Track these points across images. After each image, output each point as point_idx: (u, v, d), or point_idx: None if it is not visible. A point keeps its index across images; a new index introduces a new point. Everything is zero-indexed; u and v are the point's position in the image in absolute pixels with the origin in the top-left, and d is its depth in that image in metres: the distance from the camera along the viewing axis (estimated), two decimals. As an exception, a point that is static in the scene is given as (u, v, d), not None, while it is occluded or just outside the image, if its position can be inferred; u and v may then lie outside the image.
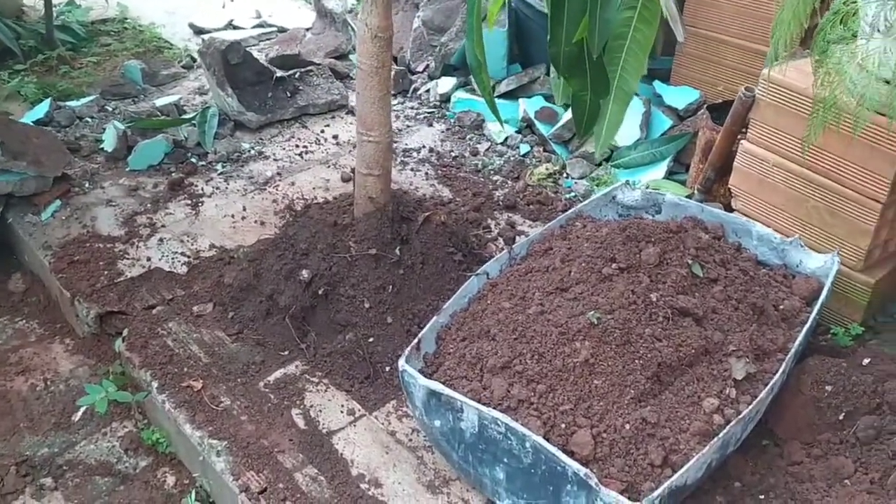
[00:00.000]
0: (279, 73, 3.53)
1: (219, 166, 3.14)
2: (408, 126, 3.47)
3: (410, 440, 2.04)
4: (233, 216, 2.87)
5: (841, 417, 1.87)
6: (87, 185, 3.00)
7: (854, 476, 1.78)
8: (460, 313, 2.07)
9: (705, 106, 2.85)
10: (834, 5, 1.73)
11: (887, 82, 1.84)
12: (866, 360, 1.99)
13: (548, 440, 1.66)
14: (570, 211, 2.38)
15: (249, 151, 3.25)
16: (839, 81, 1.61)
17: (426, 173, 3.13)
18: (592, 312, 1.79)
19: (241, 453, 1.99)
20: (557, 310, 1.84)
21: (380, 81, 2.18)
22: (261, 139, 3.34)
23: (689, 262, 1.90)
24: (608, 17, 1.46)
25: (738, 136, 2.48)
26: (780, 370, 1.78)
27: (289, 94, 3.50)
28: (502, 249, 2.62)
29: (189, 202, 2.94)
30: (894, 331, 2.28)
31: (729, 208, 2.52)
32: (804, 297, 2.07)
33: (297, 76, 3.58)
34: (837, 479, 1.78)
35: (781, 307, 1.96)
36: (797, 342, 1.85)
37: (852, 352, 2.12)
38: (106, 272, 2.59)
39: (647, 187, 2.46)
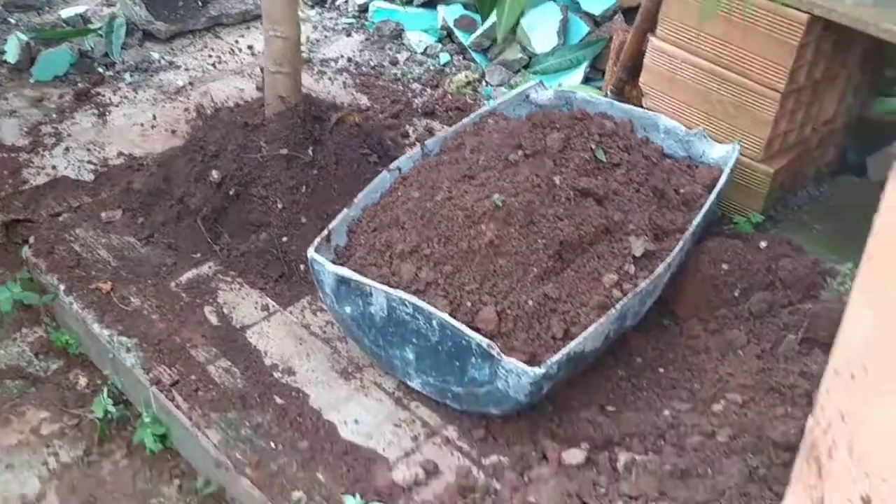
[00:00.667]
0: (190, -18, 3.40)
1: (127, 76, 3.03)
2: (326, 37, 3.40)
3: (324, 332, 2.06)
4: (142, 125, 2.79)
5: (736, 294, 1.96)
6: (-13, 96, 2.87)
7: (747, 347, 1.87)
8: (371, 207, 2.07)
9: (620, 9, 2.87)
10: None
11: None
12: (763, 244, 2.08)
13: (454, 318, 1.69)
14: (483, 109, 2.39)
15: (159, 62, 3.15)
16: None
17: (344, 82, 3.09)
18: (497, 196, 1.81)
19: (152, 349, 1.98)
20: (464, 195, 1.86)
21: (285, -28, 2.12)
22: (171, 49, 3.24)
23: (593, 147, 1.94)
24: None
25: (648, 36, 2.50)
26: (678, 248, 1.84)
27: (201, 4, 3.39)
28: (421, 139, 2.63)
29: (96, 112, 2.84)
30: (793, 220, 2.38)
31: (641, 107, 2.56)
32: (706, 184, 2.13)
33: (209, -15, 3.45)
34: (731, 349, 1.87)
35: (682, 191, 2.02)
36: (695, 223, 1.91)
37: (753, 238, 2.21)
38: (10, 181, 2.50)
39: (559, 86, 2.48)
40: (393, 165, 2.15)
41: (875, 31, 1.92)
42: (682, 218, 1.95)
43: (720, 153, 2.21)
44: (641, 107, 2.55)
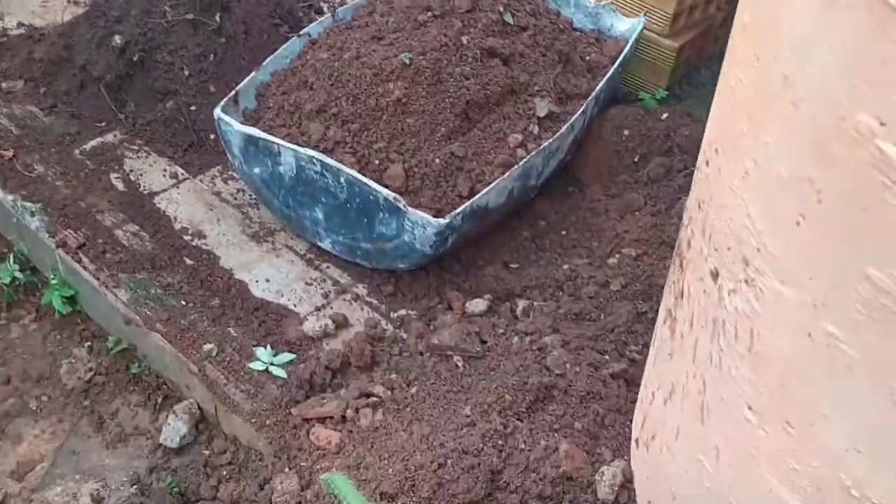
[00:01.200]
0: None
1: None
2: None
3: (236, 199, 2.06)
4: (42, -7, 2.66)
5: (636, 160, 2.04)
6: None
7: (644, 208, 1.96)
8: (281, 71, 2.05)
9: None
10: None
11: None
12: (665, 115, 2.16)
13: (362, 175, 1.72)
14: (396, -21, 2.35)
15: (58, -70, 2.97)
16: None
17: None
18: (405, 54, 1.82)
19: (57, 214, 1.95)
20: (372, 54, 1.86)
21: None
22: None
23: (501, 9, 1.95)
24: None
25: None
26: (581, 110, 1.89)
27: None
28: (332, 6, 2.59)
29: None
30: (696, 97, 2.46)
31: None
32: (612, 56, 2.18)
33: None
34: (629, 210, 1.96)
35: (588, 59, 2.06)
36: (599, 87, 1.97)
37: (656, 111, 2.28)
38: None
39: (474, -41, 2.46)
40: (303, 31, 2.12)
41: None
42: (586, 84, 2.00)
43: (627, 26, 2.25)
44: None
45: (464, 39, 1.85)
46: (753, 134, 0.74)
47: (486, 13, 1.92)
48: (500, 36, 1.91)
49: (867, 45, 0.57)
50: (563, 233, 1.99)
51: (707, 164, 0.88)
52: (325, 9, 2.74)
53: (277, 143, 1.77)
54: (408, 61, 1.81)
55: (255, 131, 1.79)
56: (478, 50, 1.85)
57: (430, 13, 1.92)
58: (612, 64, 2.14)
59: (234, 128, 1.81)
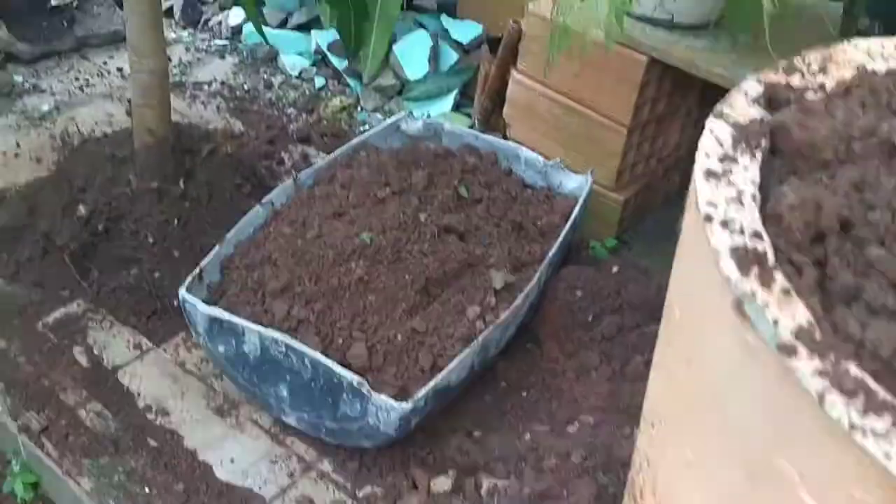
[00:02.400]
0: (54, 2, 3.30)
1: (-14, 101, 2.92)
2: (198, 59, 3.38)
3: (199, 369, 2.08)
4: (4, 153, 2.70)
5: (590, 318, 2.12)
6: None
7: (599, 367, 2.03)
8: (245, 242, 2.10)
9: (486, 39, 3.00)
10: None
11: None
12: (615, 269, 2.26)
13: (326, 355, 1.76)
14: (355, 140, 2.46)
15: (23, 85, 3.05)
16: (568, 8, 1.78)
17: (218, 106, 3.09)
18: (366, 234, 1.90)
19: (20, 394, 1.95)
20: (334, 233, 1.93)
21: (149, 7, 2.12)
22: (36, 72, 3.13)
23: (456, 184, 2.05)
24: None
25: (510, 67, 2.65)
26: (535, 279, 1.98)
27: (66, 24, 3.29)
28: (294, 172, 2.67)
29: (-47, 140, 2.73)
30: (643, 243, 2.58)
31: (505, 137, 2.71)
32: (563, 214, 2.28)
33: (74, 5, 3.36)
34: (584, 371, 2.02)
35: (540, 223, 2.16)
36: (551, 252, 2.06)
37: (606, 263, 2.39)
38: None
39: (428, 117, 2.59)
40: (265, 199, 2.19)
41: (706, 74, 2.13)
42: (539, 249, 2.10)
43: (576, 183, 2.37)
44: (506, 136, 2.70)
45: (422, 217, 1.94)
46: (692, 429, 0.81)
47: (442, 189, 2.02)
48: (457, 211, 2.01)
49: (781, 396, 0.64)
50: (524, 394, 2.05)
51: (652, 426, 0.94)
52: (286, 159, 2.84)
53: (242, 325, 1.81)
54: (368, 241, 1.88)
55: (220, 312, 1.83)
56: (435, 227, 1.93)
57: (388, 189, 2.02)
58: (563, 223, 2.24)
59: (199, 309, 1.85)
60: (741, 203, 0.74)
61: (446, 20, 3.29)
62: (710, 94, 2.51)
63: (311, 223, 2.00)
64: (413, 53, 3.16)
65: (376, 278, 1.86)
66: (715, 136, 0.82)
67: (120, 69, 3.23)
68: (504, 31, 3.04)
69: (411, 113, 2.61)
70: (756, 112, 0.87)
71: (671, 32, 2.21)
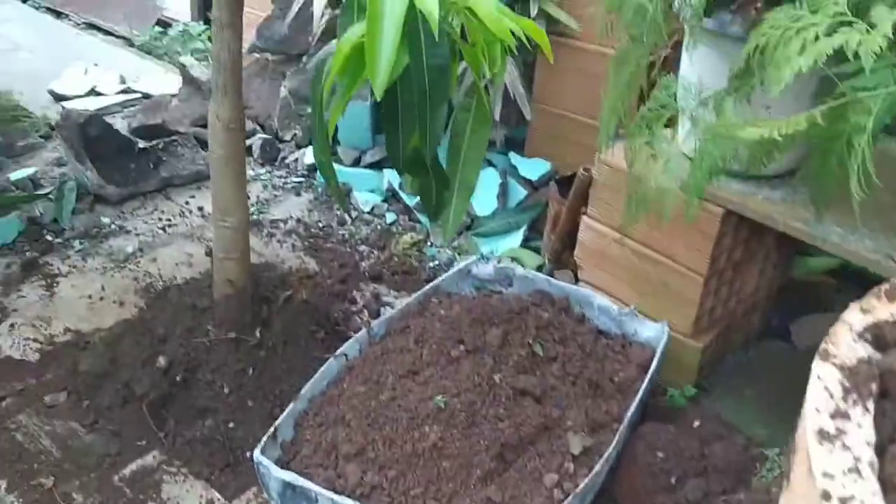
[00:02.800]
0: (142, 144, 3.50)
1: (76, 243, 3.07)
2: (275, 196, 3.50)
3: (271, 527, 2.05)
4: (90, 296, 2.81)
5: (673, 481, 2.02)
6: (-69, 268, 2.87)
7: (685, 536, 1.93)
8: (318, 397, 2.11)
9: (554, 178, 3.04)
10: (641, 111, 1.92)
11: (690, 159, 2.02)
12: (696, 423, 2.17)
13: (399, 525, 1.72)
14: (427, 287, 2.48)
15: (110, 226, 3.19)
16: (645, 178, 1.78)
17: (293, 245, 3.17)
18: (440, 397, 1.88)
19: (94, 554, 1.95)
20: (408, 395, 1.91)
21: (234, 170, 2.22)
22: (122, 213, 3.29)
23: (531, 342, 2.03)
24: (436, 127, 1.57)
25: (581, 211, 2.66)
26: (614, 442, 1.91)
27: (152, 166, 3.47)
28: (367, 321, 2.70)
29: (43, 283, 2.86)
30: (723, 387, 2.49)
31: (577, 276, 2.69)
32: (640, 364, 2.23)
33: (160, 146, 3.56)
34: (670, 539, 1.92)
35: (617, 379, 2.11)
36: (630, 412, 2.00)
37: (686, 413, 2.30)
38: (-49, 363, 2.48)
39: (499, 262, 2.60)
40: (339, 352, 2.21)
41: (784, 228, 2.08)
42: (617, 407, 2.04)
43: (652, 332, 2.32)
44: (577, 276, 2.68)
45: (496, 378, 1.91)
46: None
47: (517, 348, 2.00)
48: (532, 370, 1.98)
49: None
50: (604, 562, 1.95)
51: None
52: (359, 298, 2.87)
53: (315, 491, 1.79)
54: (443, 405, 1.86)
55: (293, 477, 1.82)
56: (510, 389, 1.90)
57: (462, 347, 2.00)
58: (640, 375, 2.18)
59: (273, 473, 1.84)
60: (859, 474, 0.70)
61: (515, 157, 3.35)
62: (789, 238, 2.47)
63: (384, 382, 1.99)
64: (482, 190, 3.22)
65: (451, 444, 1.83)
66: (824, 386, 0.79)
67: (201, 208, 3.37)
68: (572, 169, 3.08)
69: (482, 256, 2.63)
70: (863, 350, 0.83)
71: (747, 183, 2.19)
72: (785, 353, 2.63)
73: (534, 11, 2.86)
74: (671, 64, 2.27)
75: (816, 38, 1.42)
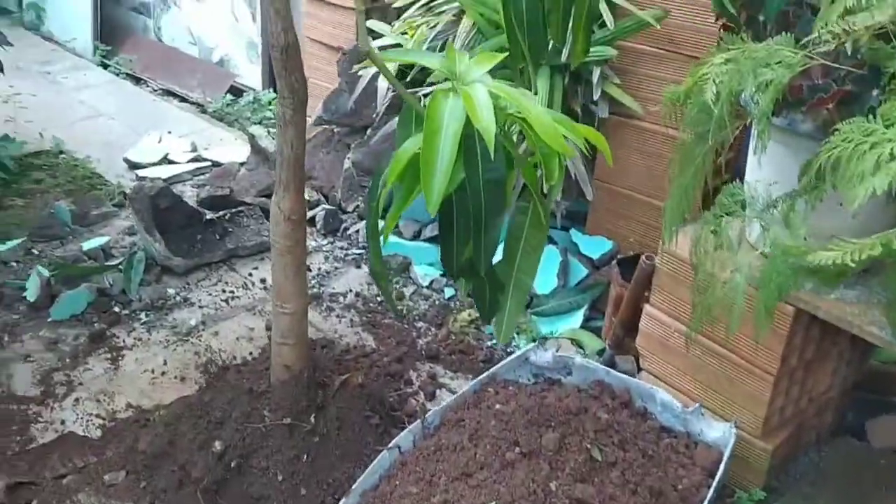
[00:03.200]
0: (209, 216, 3.59)
1: (142, 315, 3.14)
2: (336, 268, 3.53)
3: None
4: (153, 371, 2.86)
5: None
6: (6, 338, 2.97)
7: None
8: (370, 492, 2.08)
9: (616, 259, 2.98)
10: (705, 216, 1.87)
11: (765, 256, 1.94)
12: (766, 533, 2.05)
13: None
14: (484, 375, 2.44)
15: (175, 298, 3.26)
16: (713, 284, 1.72)
17: (351, 320, 3.18)
18: (494, 503, 1.82)
19: None
20: (460, 500, 1.86)
21: (294, 258, 2.24)
22: (187, 284, 3.36)
23: (588, 446, 1.96)
24: (491, 239, 1.55)
25: (644, 298, 2.59)
26: (677, 558, 1.82)
27: (218, 237, 3.55)
28: (422, 405, 2.67)
29: (109, 356, 2.92)
30: (795, 491, 2.36)
31: (639, 363, 2.62)
32: (705, 467, 2.13)
33: (227, 217, 3.64)
34: None
35: (681, 486, 2.02)
36: (694, 525, 1.90)
37: (754, 519, 2.19)
38: (18, 438, 2.54)
39: (557, 349, 2.54)
40: (392, 444, 2.18)
41: (859, 331, 1.98)
42: (681, 517, 1.94)
43: (718, 432, 2.22)
44: (639, 364, 2.61)
45: (552, 486, 1.85)
46: None
47: (574, 454, 1.93)
48: (589, 479, 1.91)
49: None
50: None
51: None
52: (414, 378, 2.84)
53: None
54: (496, 513, 1.80)
55: (342, 583, 1.78)
56: (567, 499, 1.84)
57: (517, 449, 1.95)
58: (706, 479, 2.09)
59: (322, 576, 1.80)
60: None
61: (576, 234, 3.31)
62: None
63: (437, 482, 1.95)
64: (542, 268, 3.18)
65: (504, 554, 1.77)
66: None
67: (263, 280, 3.42)
68: (634, 249, 3.02)
69: (542, 338, 2.58)
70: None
71: (818, 281, 2.10)
72: (860, 453, 2.48)
73: (597, 94, 2.83)
74: (737, 159, 2.22)
75: (892, 155, 1.36)
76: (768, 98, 1.62)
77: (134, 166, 4.30)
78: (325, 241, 3.72)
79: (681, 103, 1.98)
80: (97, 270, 3.28)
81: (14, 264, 3.41)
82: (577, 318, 3.05)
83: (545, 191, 1.67)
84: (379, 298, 3.32)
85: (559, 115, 1.57)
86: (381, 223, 1.70)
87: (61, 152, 4.38)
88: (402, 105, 1.75)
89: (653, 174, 3.02)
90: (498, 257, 1.76)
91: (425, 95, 2.37)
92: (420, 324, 3.17)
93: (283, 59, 1.84)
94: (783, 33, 1.68)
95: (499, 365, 2.50)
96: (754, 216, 1.78)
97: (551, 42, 1.85)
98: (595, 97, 2.85)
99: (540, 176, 1.66)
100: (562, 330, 3.01)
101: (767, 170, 1.89)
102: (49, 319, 3.08)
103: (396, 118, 3.36)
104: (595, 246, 3.21)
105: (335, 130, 4.01)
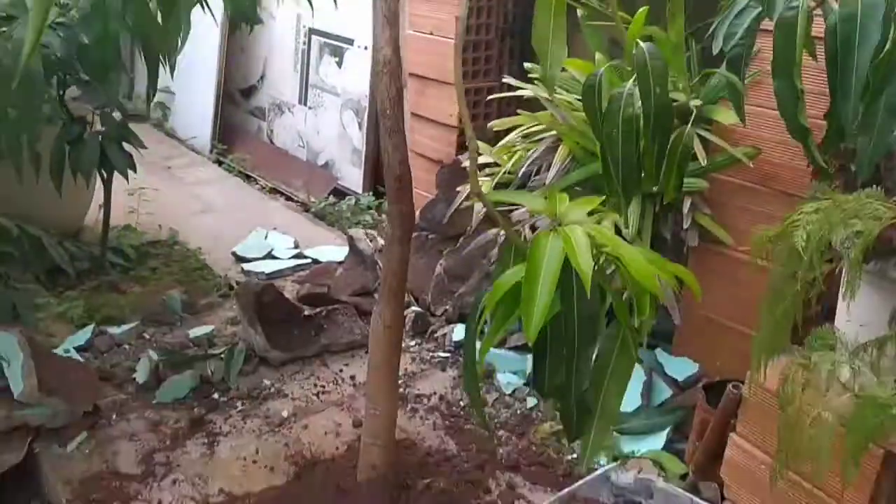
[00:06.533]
0: (307, 312, 3.79)
1: (239, 404, 3.31)
2: (422, 370, 3.65)
3: None
4: (245, 459, 2.99)
5: None
6: (114, 416, 3.18)
7: None
8: None
9: (701, 384, 2.99)
10: (791, 367, 1.91)
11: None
12: None
13: None
14: (563, 492, 2.47)
15: (269, 389, 3.43)
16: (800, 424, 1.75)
17: (434, 423, 3.26)
18: None
19: None
20: None
21: (389, 365, 2.38)
22: (282, 376, 3.53)
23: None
24: (583, 368, 1.64)
25: (730, 425, 2.59)
26: None
27: (314, 333, 3.73)
28: (501, 517, 2.70)
29: (206, 441, 3.08)
30: None
31: (722, 492, 2.59)
32: None
33: (323, 314, 3.83)
34: None
35: None
36: None
37: None
38: (121, 514, 2.71)
39: (639, 471, 2.56)
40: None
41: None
42: None
43: (803, 574, 2.17)
44: (722, 494, 2.58)
45: None
46: None
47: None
48: None
49: None
50: None
51: None
52: (493, 487, 2.88)
53: None
54: None
55: None
56: None
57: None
58: None
59: None
60: None
61: (661, 355, 3.34)
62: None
63: None
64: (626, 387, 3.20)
65: None
66: None
67: (353, 377, 3.56)
68: (720, 374, 3.03)
69: (623, 460, 2.60)
70: None
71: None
72: None
73: (687, 223, 2.92)
74: (828, 294, 2.25)
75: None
76: (858, 249, 1.69)
77: (240, 259, 4.60)
78: (412, 343, 3.86)
79: (770, 245, 2.05)
80: (202, 358, 3.49)
81: (126, 347, 3.67)
82: (660, 439, 3.04)
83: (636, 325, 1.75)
84: (462, 402, 3.40)
85: (652, 254, 1.67)
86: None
87: (176, 243, 4.73)
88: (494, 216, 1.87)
89: (741, 302, 3.04)
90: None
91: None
92: (501, 432, 3.23)
93: (396, 187, 2.03)
94: (874, 186, 1.75)
95: (580, 482, 2.53)
96: (843, 360, 1.81)
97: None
98: (685, 226, 2.93)
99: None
100: (644, 450, 3.01)
101: (857, 312, 1.93)
102: (154, 402, 3.29)
103: (489, 231, 3.55)
104: (680, 367, 3.23)
105: (429, 237, 4.21)
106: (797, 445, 1.78)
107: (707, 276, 3.11)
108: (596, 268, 1.61)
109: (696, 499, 2.41)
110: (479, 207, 3.61)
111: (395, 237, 2.15)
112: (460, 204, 3.73)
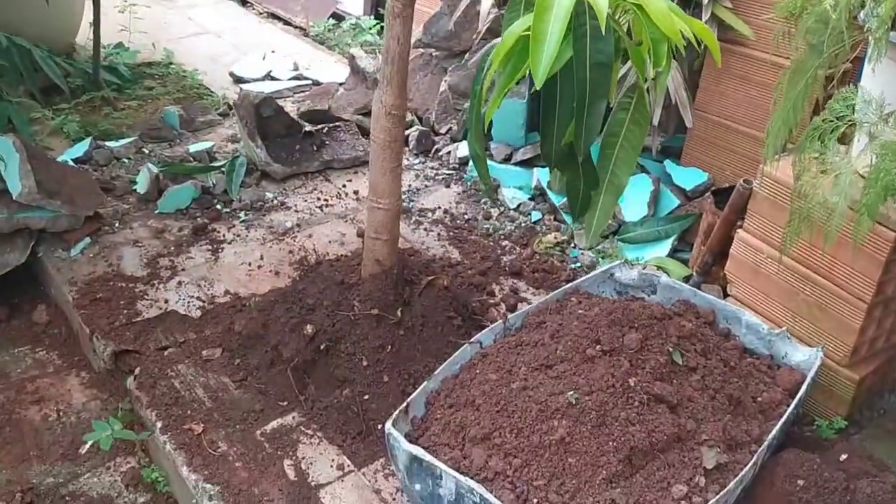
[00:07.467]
0: (308, 128, 3.70)
1: (242, 214, 3.28)
2: (426, 186, 3.60)
3: (394, 499, 2.12)
4: (249, 264, 3.00)
5: (811, 513, 1.91)
6: (116, 224, 3.17)
7: (819, 573, 1.82)
8: (451, 379, 2.15)
9: (711, 189, 2.94)
10: (814, 121, 1.83)
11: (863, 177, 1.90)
12: (843, 456, 2.04)
13: (519, 514, 1.73)
14: (568, 285, 2.47)
15: (272, 201, 3.40)
16: (813, 193, 1.70)
17: (438, 234, 3.25)
18: (572, 392, 1.87)
19: (232, 500, 2.08)
20: (539, 387, 1.92)
21: (392, 154, 2.31)
22: (284, 190, 3.49)
23: (670, 349, 1.98)
24: (593, 123, 1.57)
25: (736, 225, 2.56)
26: (752, 462, 1.83)
27: (315, 148, 3.66)
28: (504, 315, 2.72)
29: (210, 248, 3.08)
30: (878, 426, 2.32)
31: (725, 292, 2.60)
32: (786, 388, 2.12)
33: (325, 131, 3.74)
34: (802, 574, 1.82)
35: (760, 399, 2.02)
36: (771, 435, 1.90)
37: (833, 445, 2.17)
38: (125, 311, 2.73)
39: (644, 267, 2.55)
40: (474, 339, 2.25)
41: (966, 259, 1.92)
42: (757, 428, 1.95)
43: (803, 357, 2.20)
44: (726, 293, 2.59)
45: (631, 382, 1.88)
46: None
47: (655, 354, 1.95)
48: (668, 379, 1.93)
49: None
50: (727, 586, 1.87)
51: None
52: (497, 291, 2.90)
53: (441, 468, 1.83)
54: (574, 401, 1.85)
55: (421, 453, 1.87)
56: (645, 395, 1.87)
57: (598, 347, 1.99)
58: (786, 399, 2.08)
59: (402, 446, 1.90)
60: None
61: (670, 165, 3.27)
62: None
63: (516, 372, 2.01)
64: (633, 195, 3.17)
65: (578, 440, 1.82)
66: None
67: (356, 192, 3.52)
68: (729, 181, 2.97)
69: (627, 260, 2.59)
70: None
71: (925, 207, 2.03)
72: (953, 397, 2.42)
73: (705, 16, 2.77)
74: (850, 78, 2.14)
75: None
76: (889, 6, 1.57)
77: (238, 80, 4.45)
78: (416, 161, 3.79)
79: (797, 14, 1.93)
80: (202, 170, 3.44)
81: (126, 160, 3.61)
82: (665, 246, 3.03)
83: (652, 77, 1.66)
84: (466, 216, 3.37)
85: (673, 5, 1.56)
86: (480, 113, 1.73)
87: (171, 63, 4.57)
88: (500, 28, 1.76)
89: (756, 104, 2.94)
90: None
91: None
92: (505, 243, 3.22)
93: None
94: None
95: (583, 278, 2.52)
96: (865, 121, 1.73)
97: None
98: (704, 19, 2.78)
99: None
100: (648, 257, 3.00)
101: (881, 80, 1.83)
102: (156, 211, 3.26)
103: (495, 41, 3.38)
104: (689, 177, 3.17)
105: (433, 54, 4.05)
106: (808, 214, 1.73)
107: (722, 76, 2.99)
108: (611, 16, 1.51)
109: (698, 291, 2.41)
110: (485, 14, 3.44)
111: (396, 10, 2.02)
112: (464, 12, 3.55)
